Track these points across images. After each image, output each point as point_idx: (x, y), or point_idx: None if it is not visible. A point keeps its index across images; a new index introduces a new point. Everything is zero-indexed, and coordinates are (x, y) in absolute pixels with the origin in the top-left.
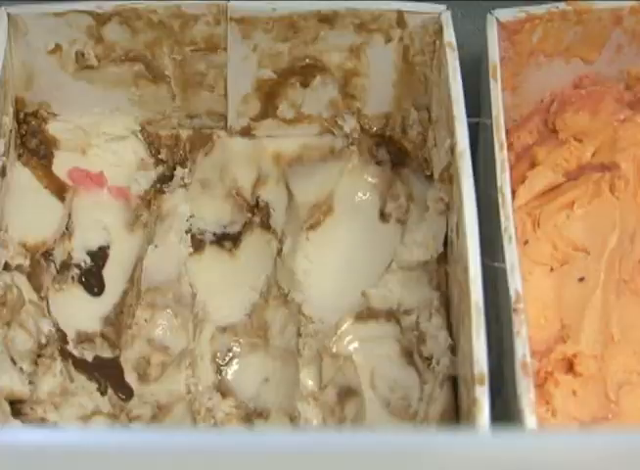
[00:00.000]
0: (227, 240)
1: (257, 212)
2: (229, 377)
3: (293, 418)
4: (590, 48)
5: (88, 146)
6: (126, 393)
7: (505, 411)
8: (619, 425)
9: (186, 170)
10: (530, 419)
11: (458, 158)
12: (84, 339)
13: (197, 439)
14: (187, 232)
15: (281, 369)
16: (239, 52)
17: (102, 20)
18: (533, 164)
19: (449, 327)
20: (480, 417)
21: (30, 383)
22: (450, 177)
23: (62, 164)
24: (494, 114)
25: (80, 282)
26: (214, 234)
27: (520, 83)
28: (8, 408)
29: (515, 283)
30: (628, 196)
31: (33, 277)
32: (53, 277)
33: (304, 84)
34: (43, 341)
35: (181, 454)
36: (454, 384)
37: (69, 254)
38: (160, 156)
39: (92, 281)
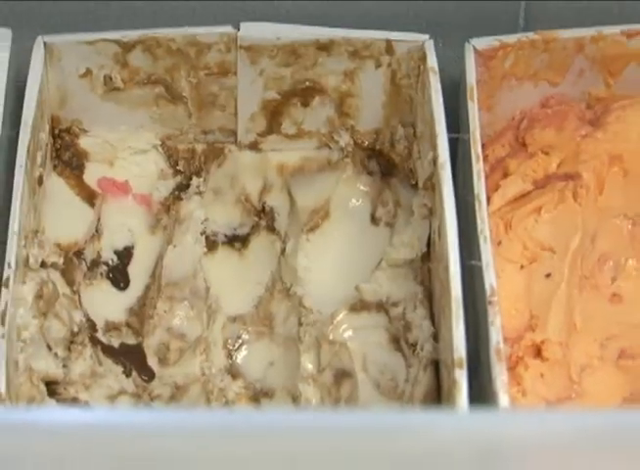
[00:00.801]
0: (237, 241)
1: (263, 217)
2: (238, 361)
3: (295, 397)
4: (555, 72)
5: (115, 158)
6: (148, 375)
7: (481, 392)
8: (582, 404)
9: (201, 180)
10: (503, 399)
11: (440, 169)
12: (111, 328)
13: (210, 416)
14: (202, 234)
15: (284, 354)
16: (247, 76)
17: (127, 47)
18: (506, 174)
19: (432, 317)
20: (459, 397)
21: (64, 366)
22: (433, 186)
23: (92, 175)
24: (471, 130)
25: (108, 278)
26: (226, 235)
27: (494, 103)
28: (44, 389)
29: (490, 279)
30: (589, 202)
31: (67, 273)
32: (84, 273)
33: (305, 104)
34: (75, 329)
35: (196, 430)
36: (436, 367)
37: (99, 253)
38: (178, 167)
39: (118, 277)
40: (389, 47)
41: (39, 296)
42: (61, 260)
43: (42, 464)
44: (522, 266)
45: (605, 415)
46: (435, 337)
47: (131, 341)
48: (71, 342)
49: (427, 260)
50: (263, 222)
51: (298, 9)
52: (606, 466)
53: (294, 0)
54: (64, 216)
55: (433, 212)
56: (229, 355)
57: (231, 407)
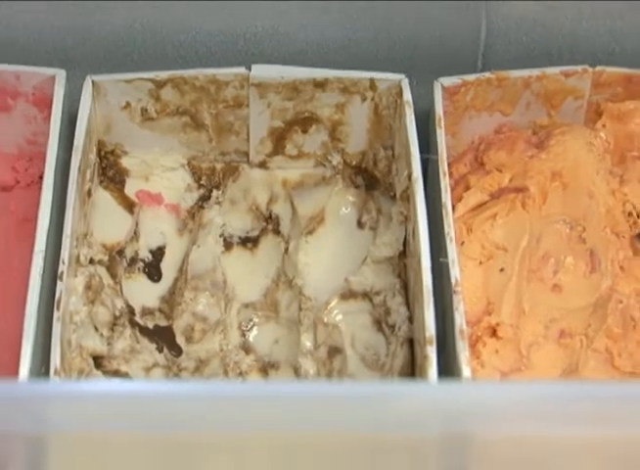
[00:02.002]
0: (249, 242)
1: (270, 222)
2: (250, 339)
3: (296, 369)
4: (507, 105)
5: (150, 175)
6: (177, 351)
7: (448, 365)
8: (529, 374)
9: (219, 192)
10: (466, 370)
11: (413, 183)
12: (147, 312)
13: (227, 386)
14: (220, 236)
15: (287, 334)
16: (257, 108)
17: (159, 85)
18: (467, 188)
19: (407, 303)
20: (430, 369)
21: (108, 344)
22: (408, 197)
23: (131, 188)
24: (439, 151)
25: (144, 272)
26: (240, 237)
27: (457, 130)
28: (92, 362)
29: (455, 272)
30: (535, 210)
31: (110, 268)
32: (124, 268)
33: (304, 131)
34: (117, 314)
35: (216, 397)
36: (411, 344)
37: (136, 252)
38: (201, 182)
39: (152, 271)
40: (373, 84)
41: (88, 287)
42: (106, 258)
43: (90, 427)
44: (480, 262)
45: (548, 385)
46: (410, 319)
47: (163, 323)
48: (114, 324)
49: (403, 257)
50: (270, 227)
51: (299, 53)
52: (549, 427)
53: (295, 45)
54: (108, 222)
55: (408, 218)
56: (243, 335)
57: (244, 378)
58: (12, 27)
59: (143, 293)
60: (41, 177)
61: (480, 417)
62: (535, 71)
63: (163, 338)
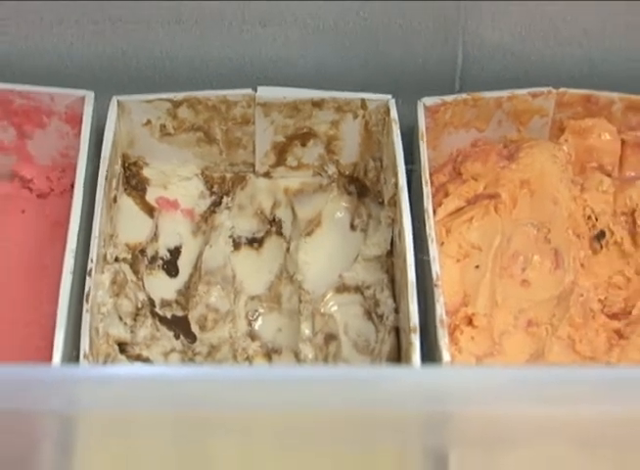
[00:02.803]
0: (255, 242)
1: (274, 225)
2: (256, 328)
3: (296, 354)
4: (481, 122)
5: (168, 183)
6: (192, 338)
7: (429, 351)
8: (501, 359)
9: (229, 199)
10: (446, 355)
11: (399, 191)
12: (165, 304)
13: (236, 370)
14: (230, 237)
15: (289, 323)
16: (262, 125)
17: (176, 104)
18: (446, 195)
19: (394, 296)
20: (414, 355)
21: (131, 332)
22: (395, 203)
23: (151, 195)
24: (422, 163)
25: (163, 268)
26: (247, 238)
27: (438, 144)
28: (117, 348)
29: (435, 269)
30: (506, 214)
31: (133, 265)
32: (145, 265)
33: (303, 145)
34: (139, 305)
35: (226, 380)
36: (397, 332)
37: (156, 251)
38: (213, 189)
39: (170, 268)
40: (364, 104)
41: (113, 282)
42: (129, 256)
43: (115, 406)
44: (458, 260)
45: (518, 369)
46: (397, 310)
47: (179, 313)
48: (137, 314)
49: (390, 256)
50: (273, 229)
51: (299, 77)
52: (519, 406)
53: (295, 70)
54: (131, 225)
55: (394, 222)
56: (249, 324)
57: (250, 362)
58: (46, 53)
59: (162, 287)
60: (72, 186)
61: (459, 397)
62: (506, 93)
63: (180, 326)
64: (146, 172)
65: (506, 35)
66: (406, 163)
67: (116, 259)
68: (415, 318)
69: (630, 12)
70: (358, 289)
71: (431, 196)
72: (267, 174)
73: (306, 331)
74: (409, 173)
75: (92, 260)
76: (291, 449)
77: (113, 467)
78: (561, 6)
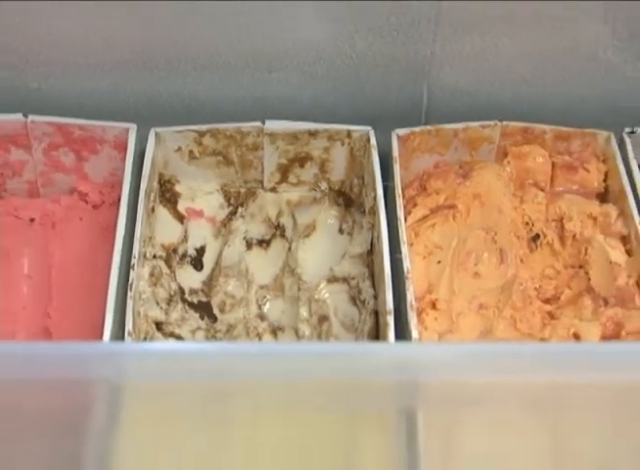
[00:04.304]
0: (263, 243)
1: (278, 229)
2: (265, 311)
3: (296, 331)
4: (442, 148)
5: (195, 197)
6: (213, 319)
7: (402, 330)
8: (457, 335)
9: (243, 209)
10: (414, 333)
11: (377, 202)
12: (193, 292)
13: (248, 345)
14: (243, 239)
15: (290, 307)
16: (269, 150)
17: (201, 134)
18: (415, 205)
19: (373, 286)
20: (389, 333)
21: (166, 314)
22: (374, 212)
23: (182, 206)
24: (395, 180)
25: (190, 264)
26: (257, 240)
27: (408, 165)
28: (154, 327)
29: (406, 264)
30: (462, 221)
31: (167, 261)
32: (177, 261)
33: (301, 166)
34: (172, 293)
35: (241, 353)
36: (376, 315)
37: (185, 250)
38: (230, 201)
39: (197, 263)
40: (349, 134)
41: (152, 274)
42: (164, 254)
43: (153, 376)
44: (424, 257)
45: (471, 343)
46: (375, 297)
47: (204, 299)
48: (170, 300)
49: (371, 254)
50: (278, 232)
51: (298, 112)
52: (472, 373)
53: (295, 107)
54: (165, 229)
55: (374, 227)
56: (259, 308)
57: (260, 338)
58: (99, 94)
59: (190, 278)
60: (119, 199)
61: (425, 367)
62: (461, 125)
63: (204, 310)
64: (177, 188)
65: (461, 80)
66: (383, 180)
67: (154, 257)
68: (390, 303)
69: (558, 64)
70: (345, 280)
71: (402, 206)
72: (273, 189)
73: (304, 313)
74: (385, 188)
75: (135, 257)
76: (292, 410)
77: (151, 425)
78: (505, 59)
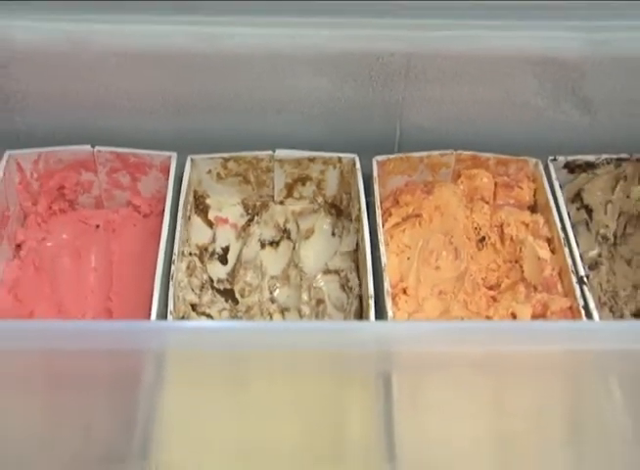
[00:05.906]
0: (274, 244)
1: (285, 233)
2: (275, 295)
3: (299, 312)
4: (411, 171)
5: (222, 208)
6: (236, 302)
7: (380, 311)
8: (423, 315)
9: (258, 217)
10: (390, 313)
11: (361, 213)
12: (220, 281)
13: (263, 323)
14: (258, 241)
15: (294, 293)
16: (278, 172)
17: (226, 160)
18: (390, 215)
19: (359, 276)
20: (370, 313)
21: (199, 298)
22: (359, 220)
23: (211, 215)
24: (375, 196)
25: (218, 259)
26: (269, 241)
27: (385, 184)
28: (190, 308)
29: (384, 260)
30: (426, 227)
31: (200, 258)
32: (207, 258)
33: (303, 185)
34: (204, 282)
35: (257, 330)
36: (360, 299)
37: (214, 249)
38: (248, 212)
39: (223, 259)
40: (339, 160)
41: (188, 267)
42: (197, 252)
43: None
44: (397, 255)
45: (435, 322)
46: (360, 285)
47: (228, 287)
48: (202, 287)
49: (356, 252)
50: (285, 236)
51: (301, 143)
52: (436, 345)
53: (298, 139)
54: (199, 233)
55: (359, 231)
56: (270, 293)
57: (272, 318)
58: (148, 130)
59: (217, 271)
60: (163, 210)
61: (399, 340)
62: (425, 154)
63: (228, 295)
64: (208, 201)
65: (425, 121)
66: (365, 195)
67: (190, 254)
68: (371, 290)
69: (499, 107)
70: (337, 272)
71: (380, 215)
72: (281, 203)
73: (305, 297)
74: (367, 202)
75: (175, 254)
76: (295, 374)
77: (187, 386)
78: (459, 104)
